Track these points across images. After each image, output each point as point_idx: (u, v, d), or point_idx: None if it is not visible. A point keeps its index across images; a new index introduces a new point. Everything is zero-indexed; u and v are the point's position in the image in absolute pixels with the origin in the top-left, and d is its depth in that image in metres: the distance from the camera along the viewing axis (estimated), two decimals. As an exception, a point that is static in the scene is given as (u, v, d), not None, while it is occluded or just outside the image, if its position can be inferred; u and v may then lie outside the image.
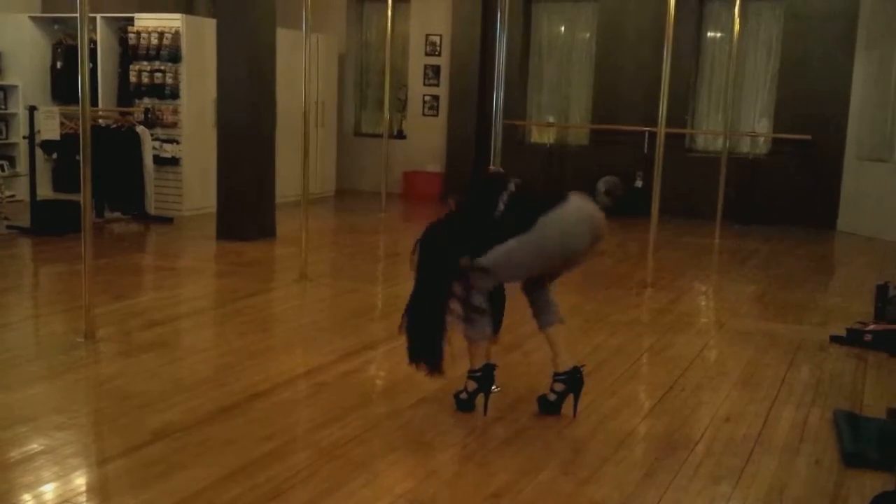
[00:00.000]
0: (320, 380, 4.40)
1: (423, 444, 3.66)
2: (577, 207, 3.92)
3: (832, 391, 4.52)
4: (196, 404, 3.97)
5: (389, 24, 10.53)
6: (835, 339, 5.42)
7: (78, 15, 4.77)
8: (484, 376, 3.97)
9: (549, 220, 3.82)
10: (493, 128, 4.25)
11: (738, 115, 10.88)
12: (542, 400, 4.05)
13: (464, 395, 4.03)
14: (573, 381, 3.97)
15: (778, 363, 4.96)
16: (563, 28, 11.99)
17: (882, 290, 5.85)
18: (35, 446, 3.48)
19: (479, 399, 4.00)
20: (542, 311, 4.10)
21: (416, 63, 12.22)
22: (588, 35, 11.78)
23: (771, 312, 6.36)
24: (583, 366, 4.03)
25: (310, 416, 3.93)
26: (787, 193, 10.54)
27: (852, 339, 5.37)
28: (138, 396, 4.05)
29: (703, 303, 6.83)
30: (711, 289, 7.28)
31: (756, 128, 11.05)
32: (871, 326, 5.45)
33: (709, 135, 11.24)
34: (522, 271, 3.97)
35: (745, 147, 11.11)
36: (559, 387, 3.99)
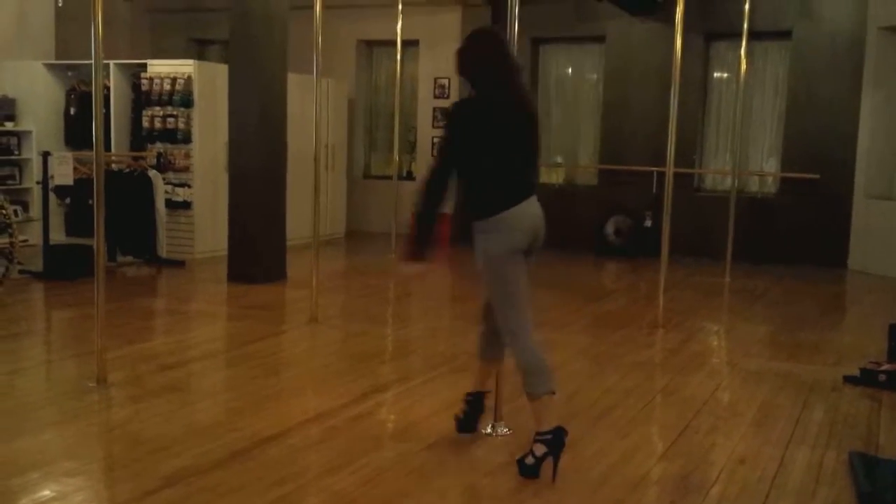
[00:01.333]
0: (331, 423, 4.39)
1: (435, 488, 3.64)
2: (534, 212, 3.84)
3: (847, 432, 4.48)
4: (207, 449, 3.96)
5: (398, 68, 10.64)
6: (848, 380, 5.38)
7: (92, 62, 4.85)
8: (555, 440, 3.69)
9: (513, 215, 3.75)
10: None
11: (746, 155, 10.90)
12: (521, 463, 3.77)
13: (530, 460, 3.72)
14: (556, 442, 3.71)
15: (792, 404, 4.93)
16: (570, 70, 12.09)
17: (895, 329, 5.82)
18: (47, 493, 3.47)
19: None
20: (493, 343, 4.06)
21: (425, 106, 12.32)
22: (595, 76, 11.88)
23: (783, 352, 6.33)
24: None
25: (321, 461, 3.92)
26: (797, 232, 10.53)
27: (866, 379, 5.33)
28: (150, 442, 4.05)
29: (714, 343, 6.80)
30: (723, 329, 7.25)
31: (764, 167, 11.08)
32: (885, 366, 5.40)
33: (717, 174, 11.27)
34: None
35: (753, 186, 11.14)
36: (540, 449, 3.72)
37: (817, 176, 10.37)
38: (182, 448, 3.97)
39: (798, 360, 6.01)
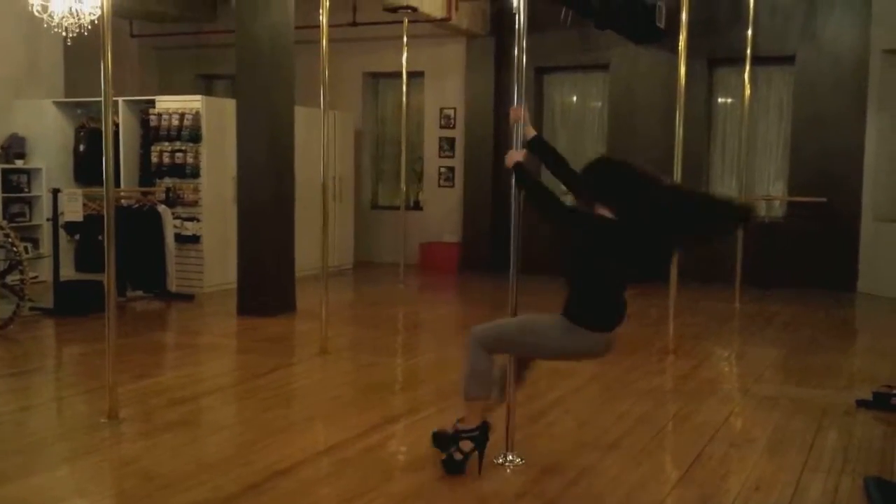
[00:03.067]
0: (343, 456, 4.38)
1: (448, 520, 3.62)
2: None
3: (861, 457, 4.45)
4: (219, 483, 3.96)
5: (404, 99, 10.72)
6: (861, 404, 5.34)
7: (102, 99, 4.91)
8: (481, 435, 4.02)
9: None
10: (512, 198, 4.28)
11: (753, 179, 10.92)
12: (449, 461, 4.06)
13: (458, 456, 4.02)
14: (481, 437, 4.03)
15: (805, 429, 4.90)
16: (574, 98, 12.16)
17: (907, 351, 5.79)
18: (60, 530, 3.46)
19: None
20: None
21: (432, 136, 12.40)
22: (600, 104, 11.94)
23: (795, 377, 6.30)
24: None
25: (333, 494, 3.90)
26: (806, 256, 10.51)
27: (879, 402, 5.29)
28: (162, 477, 4.04)
29: (726, 368, 6.77)
30: (734, 354, 7.23)
31: (771, 191, 11.09)
32: (898, 389, 5.37)
33: (724, 199, 11.26)
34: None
35: (760, 210, 11.14)
36: (467, 445, 4.04)
37: (824, 199, 10.37)
38: (194, 483, 3.96)
39: (810, 385, 5.98)
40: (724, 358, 7.09)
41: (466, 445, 4.00)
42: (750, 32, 9.04)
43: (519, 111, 4.22)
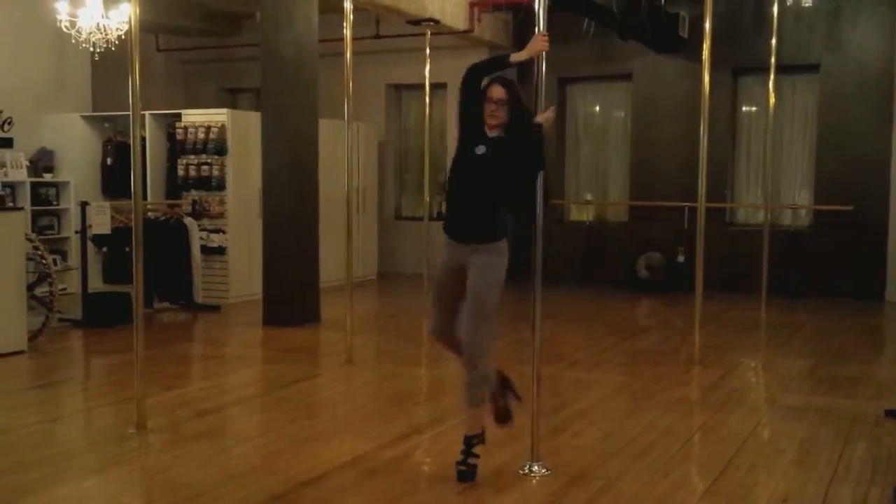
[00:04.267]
0: (368, 466, 4.39)
1: (474, 530, 3.62)
2: None
3: (891, 468, 4.39)
4: (246, 494, 3.98)
5: (427, 111, 10.75)
6: (890, 414, 5.28)
7: (130, 113, 4.97)
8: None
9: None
10: (535, 207, 4.31)
11: (778, 188, 10.85)
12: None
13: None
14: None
15: (833, 440, 4.85)
16: (597, 108, 12.15)
17: (937, 361, 5.72)
18: (89, 540, 3.50)
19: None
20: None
21: (454, 147, 12.40)
22: (623, 113, 11.92)
23: (823, 387, 6.24)
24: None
25: (359, 504, 3.92)
26: (833, 265, 10.42)
27: (909, 412, 5.24)
28: (190, 487, 4.07)
29: (753, 379, 6.72)
30: (761, 364, 7.17)
31: (796, 200, 11.02)
32: (928, 399, 5.32)
33: (749, 208, 11.22)
34: None
35: (786, 219, 11.06)
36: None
37: (851, 207, 10.28)
38: (220, 493, 3.99)
39: (838, 395, 5.93)
40: (751, 368, 7.03)
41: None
42: (774, 41, 9.00)
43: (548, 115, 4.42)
